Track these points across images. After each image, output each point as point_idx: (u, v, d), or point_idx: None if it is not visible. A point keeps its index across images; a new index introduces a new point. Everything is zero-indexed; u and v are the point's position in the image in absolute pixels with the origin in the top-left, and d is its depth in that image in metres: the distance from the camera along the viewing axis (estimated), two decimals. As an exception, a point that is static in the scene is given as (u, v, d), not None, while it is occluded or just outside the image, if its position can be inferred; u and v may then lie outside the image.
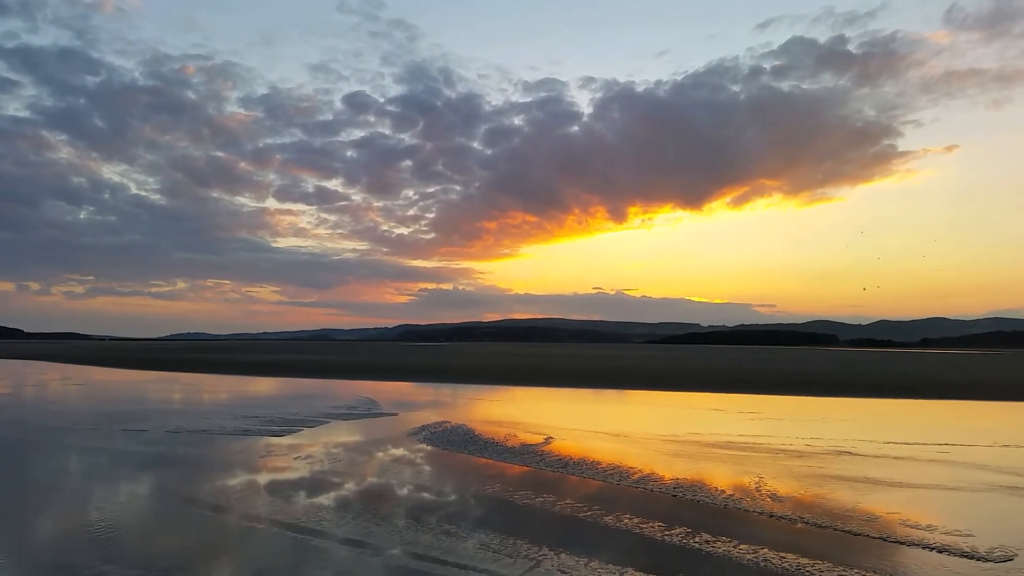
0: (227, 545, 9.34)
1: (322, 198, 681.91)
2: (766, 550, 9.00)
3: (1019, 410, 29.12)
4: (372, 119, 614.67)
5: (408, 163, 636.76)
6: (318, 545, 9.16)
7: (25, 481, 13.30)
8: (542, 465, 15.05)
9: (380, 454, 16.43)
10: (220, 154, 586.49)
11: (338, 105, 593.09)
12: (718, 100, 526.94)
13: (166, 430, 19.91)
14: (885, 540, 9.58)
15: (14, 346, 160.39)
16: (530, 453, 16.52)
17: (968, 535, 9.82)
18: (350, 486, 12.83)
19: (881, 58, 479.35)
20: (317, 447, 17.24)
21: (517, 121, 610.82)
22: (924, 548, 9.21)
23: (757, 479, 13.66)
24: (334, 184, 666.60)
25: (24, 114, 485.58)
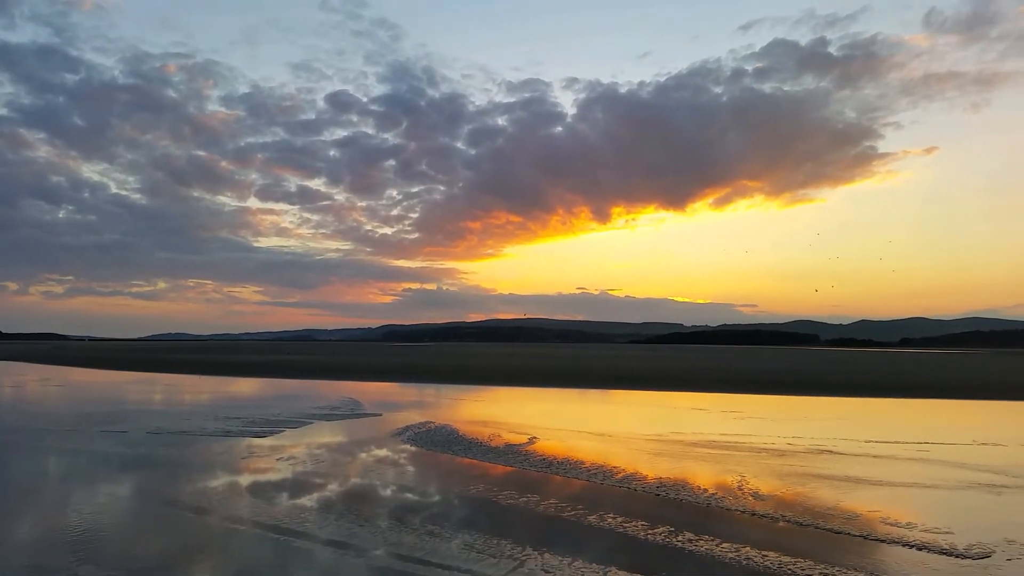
0: (209, 547, 9.25)
1: (305, 198, 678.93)
2: (748, 549, 9.04)
3: (996, 408, 29.49)
4: (355, 118, 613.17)
5: (391, 163, 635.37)
6: (301, 546, 9.11)
7: (1, 484, 13.11)
8: (526, 465, 15.05)
9: (363, 455, 16.36)
10: (201, 153, 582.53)
11: (321, 104, 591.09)
12: (700, 101, 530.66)
13: (146, 431, 19.72)
14: (866, 538, 9.66)
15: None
16: (514, 453, 16.52)
17: (947, 532, 9.92)
18: (333, 487, 12.77)
19: (862, 60, 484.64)
20: (300, 448, 17.14)
21: (501, 121, 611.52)
22: (904, 546, 9.30)
23: (739, 478, 13.74)
24: (317, 184, 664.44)
25: (2, 112, 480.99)
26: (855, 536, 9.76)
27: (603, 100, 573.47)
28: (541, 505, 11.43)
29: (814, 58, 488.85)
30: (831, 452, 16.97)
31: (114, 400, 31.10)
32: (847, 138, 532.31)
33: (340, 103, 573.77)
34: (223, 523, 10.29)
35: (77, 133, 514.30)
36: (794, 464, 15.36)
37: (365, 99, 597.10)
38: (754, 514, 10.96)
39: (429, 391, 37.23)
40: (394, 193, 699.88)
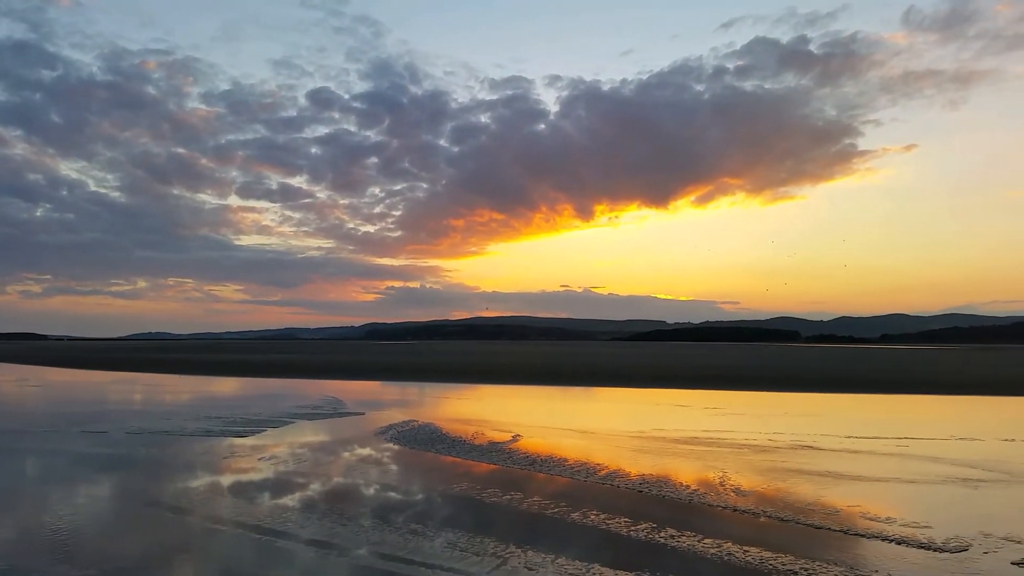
0: (190, 547, 9.18)
1: (286, 195, 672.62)
2: (730, 544, 9.10)
3: (974, 403, 29.87)
4: (337, 115, 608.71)
5: (374, 160, 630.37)
6: (283, 546, 9.05)
7: (-21, 485, 12.93)
8: (509, 463, 15.06)
9: (346, 454, 16.30)
10: (181, 150, 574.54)
11: (302, 101, 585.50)
12: (682, 100, 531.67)
13: (127, 431, 19.53)
14: (846, 533, 9.76)
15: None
16: (497, 451, 16.52)
17: (925, 526, 10.04)
18: (315, 486, 12.71)
19: (842, 58, 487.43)
20: (282, 447, 17.04)
21: (484, 119, 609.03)
22: (883, 540, 9.40)
23: (721, 474, 13.82)
24: (298, 181, 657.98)
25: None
26: (835, 531, 9.85)
27: (586, 98, 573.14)
28: (524, 503, 11.44)
29: (795, 56, 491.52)
30: (812, 448, 17.11)
31: (94, 400, 30.78)
32: (827, 136, 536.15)
33: (322, 100, 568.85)
34: (204, 523, 10.21)
35: (54, 130, 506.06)
36: (775, 460, 15.48)
37: (347, 96, 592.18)
38: (736, 510, 11.03)
39: (412, 390, 37.16)
40: (376, 191, 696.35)
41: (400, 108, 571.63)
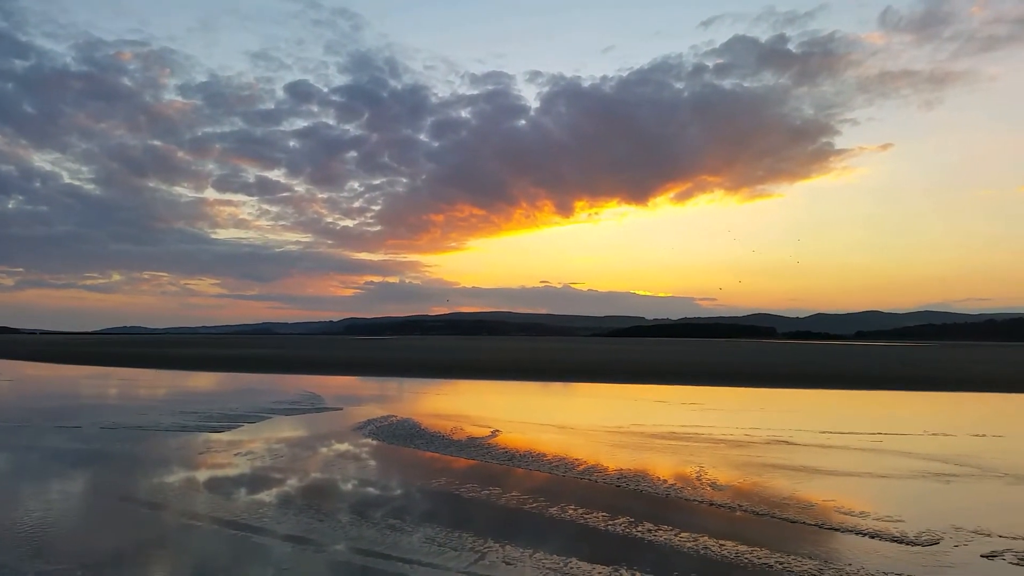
0: (165, 543, 9.09)
1: (264, 189, 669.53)
2: (706, 538, 9.18)
3: (946, 399, 30.34)
4: (316, 109, 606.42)
5: (353, 154, 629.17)
6: (259, 542, 8.99)
7: (-52, 481, 12.71)
8: (488, 458, 15.07)
9: (324, 449, 16.22)
10: (157, 143, 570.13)
11: (280, 94, 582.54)
12: (662, 97, 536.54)
13: (101, 427, 19.30)
14: (821, 527, 9.87)
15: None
16: (476, 446, 16.52)
17: (898, 520, 10.19)
18: (293, 482, 12.63)
19: (820, 58, 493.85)
20: (258, 443, 16.92)
21: (464, 114, 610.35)
22: (857, 534, 9.52)
23: (698, 469, 13.93)
24: (276, 175, 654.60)
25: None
26: (810, 525, 9.96)
27: (566, 94, 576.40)
28: (503, 498, 11.45)
29: (773, 55, 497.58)
30: (787, 443, 17.29)
31: (67, 395, 30.39)
32: (805, 134, 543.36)
33: (300, 93, 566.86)
34: (179, 519, 10.12)
35: (27, 121, 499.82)
36: (751, 455, 15.62)
37: (326, 89, 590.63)
38: (712, 504, 11.12)
39: (391, 385, 37.05)
40: (356, 185, 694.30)
41: (380, 102, 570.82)
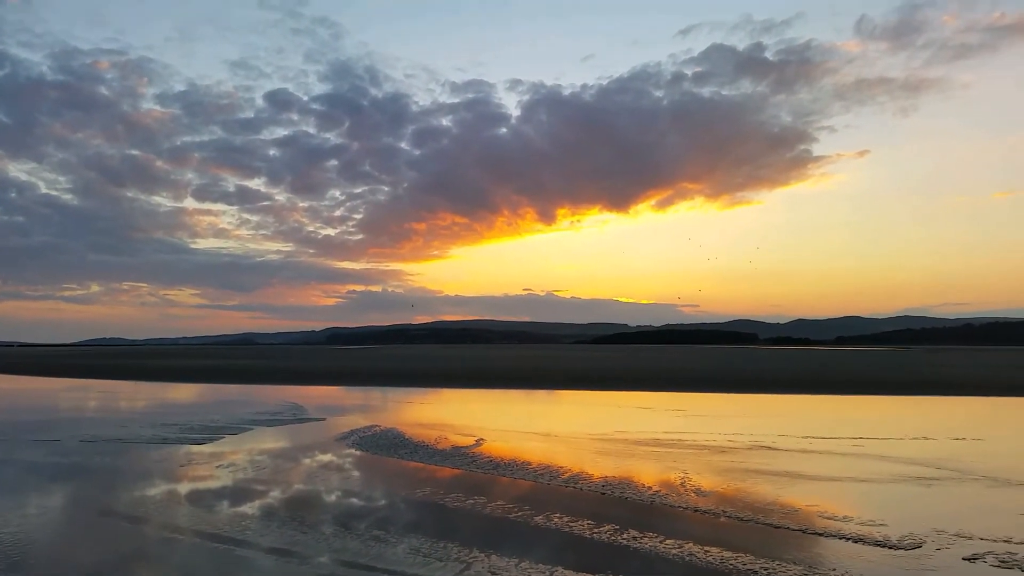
0: (146, 557, 8.97)
1: (243, 198, 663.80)
2: (691, 544, 9.19)
3: (927, 404, 30.62)
4: (296, 117, 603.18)
5: (334, 163, 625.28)
6: (242, 555, 8.90)
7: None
8: (473, 467, 15.02)
9: (307, 460, 16.10)
10: (135, 152, 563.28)
11: (259, 103, 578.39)
12: (642, 105, 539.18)
13: (80, 440, 19.03)
14: (804, 532, 9.92)
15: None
16: (461, 455, 16.46)
17: (881, 524, 10.26)
18: (276, 494, 12.52)
19: (797, 65, 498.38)
20: (240, 455, 16.76)
21: (445, 122, 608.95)
22: (840, 539, 9.58)
23: (682, 475, 13.96)
24: (256, 184, 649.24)
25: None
26: (794, 530, 10.01)
27: (547, 102, 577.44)
28: (488, 507, 11.41)
29: (751, 63, 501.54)
30: (770, 448, 17.38)
31: (45, 408, 29.96)
32: (783, 142, 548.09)
33: (280, 102, 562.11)
34: (161, 532, 9.99)
35: (3, 131, 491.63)
36: (735, 460, 15.68)
37: (306, 98, 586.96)
38: (696, 510, 11.15)
39: (375, 394, 36.87)
40: (337, 193, 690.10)
41: (360, 110, 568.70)
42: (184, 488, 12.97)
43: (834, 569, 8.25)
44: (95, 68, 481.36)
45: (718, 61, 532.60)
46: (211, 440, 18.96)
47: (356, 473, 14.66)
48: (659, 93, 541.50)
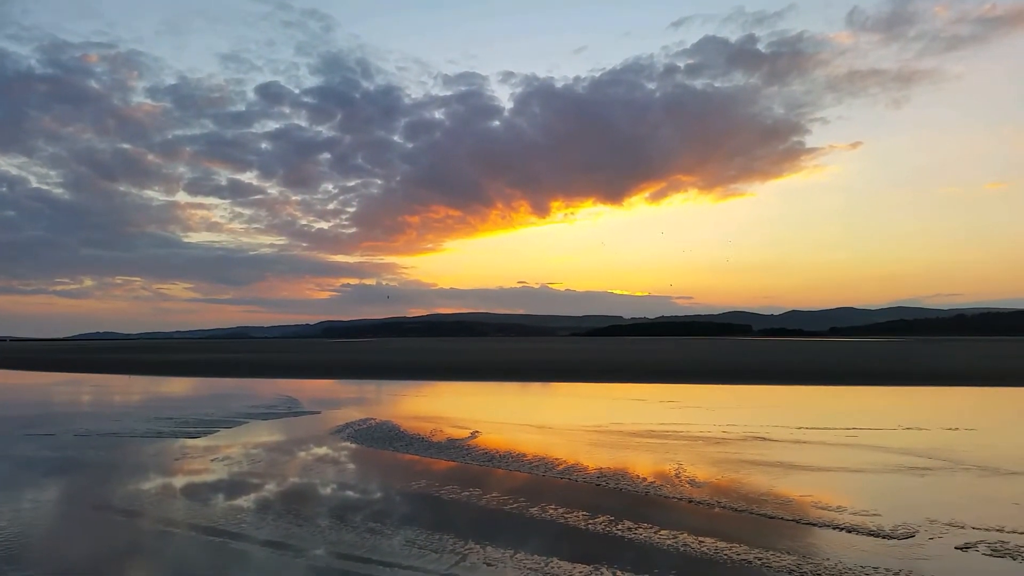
0: (141, 551, 8.97)
1: (236, 191, 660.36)
2: (686, 535, 9.23)
3: (920, 394, 30.75)
4: (287, 110, 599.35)
5: (326, 156, 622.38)
6: (237, 548, 8.90)
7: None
8: (468, 459, 15.04)
9: (302, 453, 16.09)
10: (127, 146, 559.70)
11: (251, 96, 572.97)
12: (635, 97, 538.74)
13: (74, 434, 18.99)
14: (798, 522, 9.97)
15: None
16: (456, 448, 16.48)
17: (874, 514, 10.31)
18: (271, 487, 12.52)
19: (789, 57, 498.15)
20: (235, 448, 16.75)
21: (438, 115, 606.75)
22: (834, 529, 9.63)
23: (677, 466, 14.00)
24: (248, 177, 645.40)
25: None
26: (788, 520, 10.06)
27: (539, 95, 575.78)
28: (483, 499, 11.43)
29: (743, 55, 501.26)
30: (764, 439, 17.44)
31: (39, 402, 29.88)
32: (776, 133, 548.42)
33: (271, 95, 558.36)
34: (156, 526, 9.98)
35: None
36: (729, 451, 15.73)
37: (297, 91, 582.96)
38: (691, 501, 11.19)
39: (369, 388, 36.87)
40: (330, 187, 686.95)
41: (352, 103, 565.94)
42: (179, 482, 12.96)
43: (828, 559, 8.30)
44: (84, 61, 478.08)
45: (710, 53, 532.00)
46: (206, 434, 18.94)
47: (351, 466, 14.66)
48: (652, 85, 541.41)
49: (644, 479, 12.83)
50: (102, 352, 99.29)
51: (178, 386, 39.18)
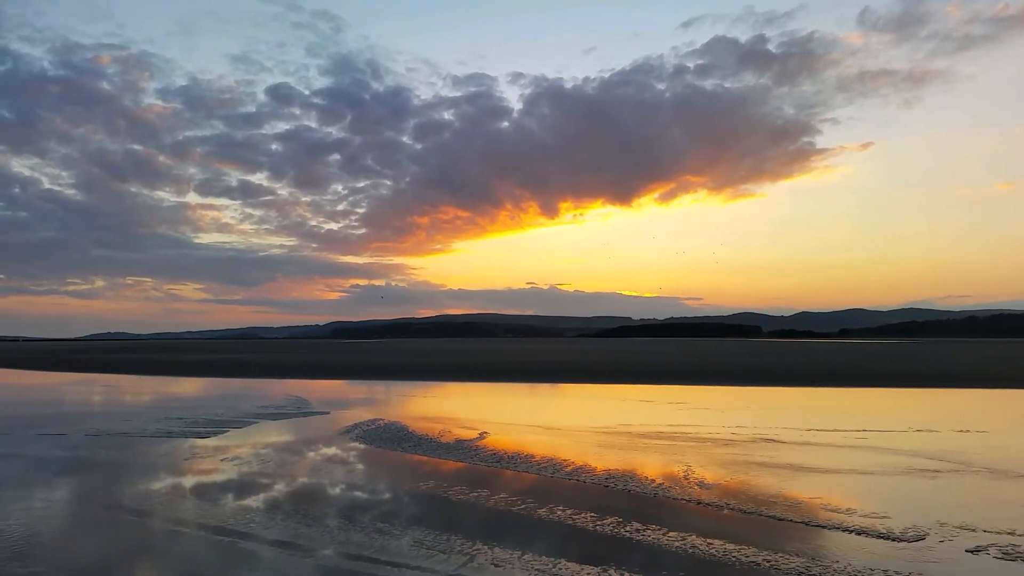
0: (152, 550, 9.02)
1: (246, 192, 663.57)
2: (694, 537, 9.21)
3: (930, 396, 30.58)
4: (297, 111, 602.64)
5: (336, 157, 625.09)
6: (247, 548, 8.94)
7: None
8: (476, 460, 15.05)
9: (311, 454, 16.15)
10: (138, 147, 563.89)
11: (261, 97, 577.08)
12: (644, 98, 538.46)
13: (85, 434, 19.11)
14: (807, 524, 9.93)
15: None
16: (464, 448, 16.50)
17: (884, 517, 10.26)
18: (280, 487, 12.57)
19: (799, 58, 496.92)
20: (245, 448, 16.82)
21: (447, 115, 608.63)
22: (844, 531, 9.59)
23: (685, 468, 13.97)
24: (259, 178, 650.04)
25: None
26: (797, 522, 10.02)
27: (549, 95, 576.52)
28: (491, 500, 11.45)
29: (753, 55, 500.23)
30: (774, 441, 17.38)
31: (50, 402, 30.08)
32: (786, 134, 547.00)
33: (281, 96, 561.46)
34: (166, 526, 10.04)
35: (5, 126, 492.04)
36: (738, 453, 15.69)
37: (307, 92, 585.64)
38: (700, 503, 11.17)
39: (378, 388, 36.94)
40: (339, 188, 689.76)
41: (362, 104, 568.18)
42: (189, 482, 13.03)
43: (837, 561, 8.27)
44: (96, 63, 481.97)
45: (720, 53, 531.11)
46: (216, 434, 19.03)
47: (360, 466, 14.70)
48: (661, 86, 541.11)
49: (653, 481, 12.81)
50: (113, 352, 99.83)
51: (188, 386, 39.37)
